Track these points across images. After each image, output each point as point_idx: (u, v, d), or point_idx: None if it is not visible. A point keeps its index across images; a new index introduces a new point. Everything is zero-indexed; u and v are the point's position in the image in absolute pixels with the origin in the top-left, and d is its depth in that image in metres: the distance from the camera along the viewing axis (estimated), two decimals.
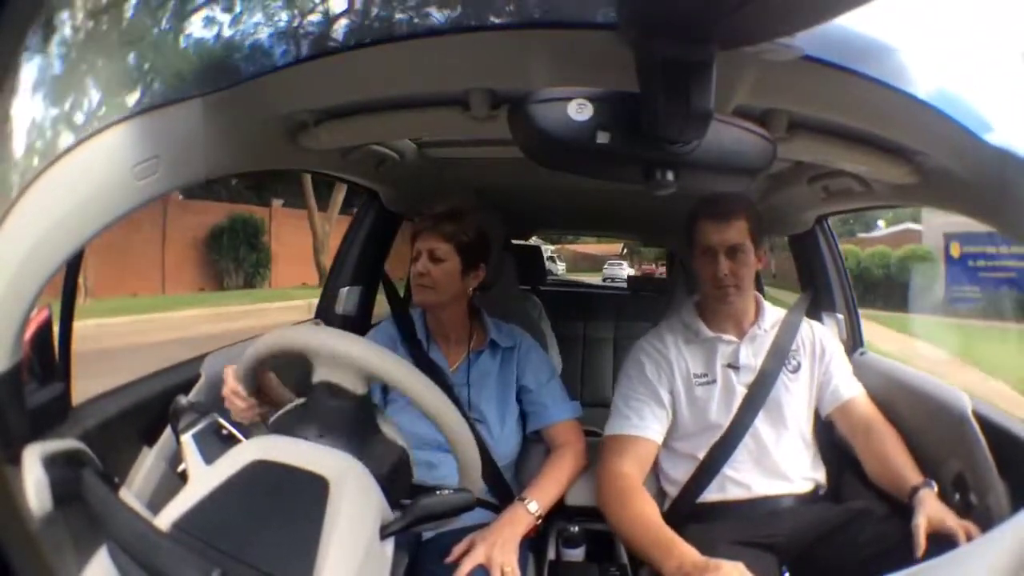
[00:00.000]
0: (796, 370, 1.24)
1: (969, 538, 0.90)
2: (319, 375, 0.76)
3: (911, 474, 1.07)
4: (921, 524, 0.94)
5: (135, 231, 8.07)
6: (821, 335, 1.30)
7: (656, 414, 1.19)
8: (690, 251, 1.24)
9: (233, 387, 0.86)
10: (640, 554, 1.05)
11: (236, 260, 9.39)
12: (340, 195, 9.61)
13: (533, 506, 1.09)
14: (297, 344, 0.79)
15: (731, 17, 0.54)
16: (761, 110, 0.91)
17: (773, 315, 1.28)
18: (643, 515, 1.07)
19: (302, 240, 9.81)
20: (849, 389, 1.24)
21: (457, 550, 1.00)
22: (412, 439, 1.06)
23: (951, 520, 0.93)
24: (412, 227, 1.23)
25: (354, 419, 0.76)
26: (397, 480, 0.75)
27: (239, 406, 0.86)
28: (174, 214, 8.87)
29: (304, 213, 9.77)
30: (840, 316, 1.56)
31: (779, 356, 1.23)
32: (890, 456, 1.12)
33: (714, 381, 1.22)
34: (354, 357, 0.75)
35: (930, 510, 0.96)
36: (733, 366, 1.22)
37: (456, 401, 1.15)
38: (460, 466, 0.78)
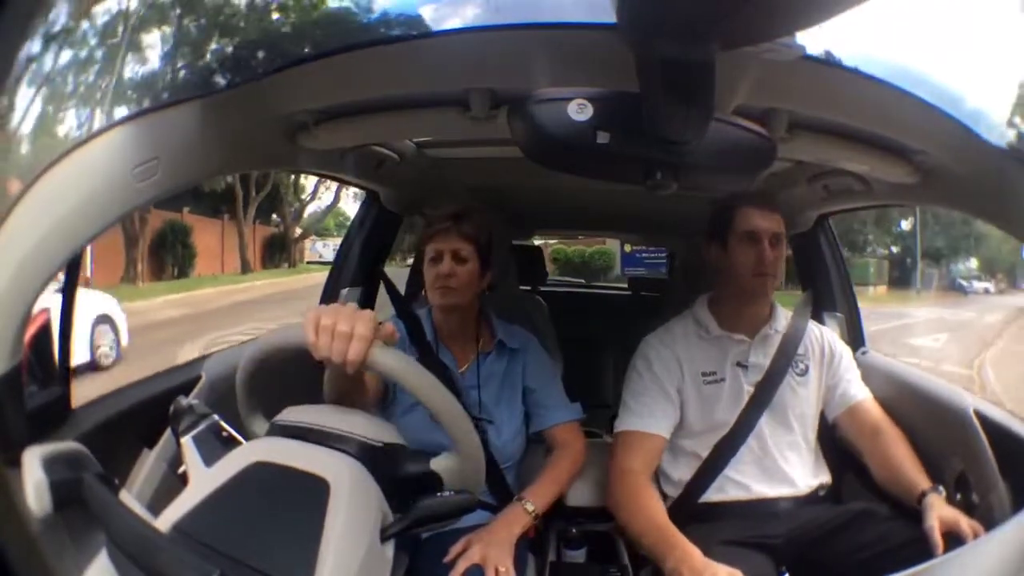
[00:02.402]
0: (804, 373, 1.24)
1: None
2: None
3: (920, 478, 1.07)
4: (935, 524, 0.94)
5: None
6: (829, 338, 1.30)
7: (665, 410, 1.19)
8: (726, 240, 1.21)
9: None
10: (644, 550, 1.05)
11: (174, 256, 12.05)
12: (253, 207, 13.14)
13: (530, 506, 1.09)
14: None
15: (731, 17, 0.54)
16: (761, 110, 0.91)
17: (784, 317, 1.28)
18: (650, 512, 1.07)
19: (208, 240, 12.83)
20: (858, 392, 1.24)
21: (454, 550, 0.99)
22: (415, 444, 1.06)
23: (963, 522, 0.94)
24: (425, 228, 1.22)
25: None
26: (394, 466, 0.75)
27: None
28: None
29: (206, 219, 12.85)
30: (840, 315, 1.56)
31: (787, 357, 1.22)
32: (898, 460, 1.12)
33: (723, 380, 1.21)
34: (254, 354, 0.75)
35: (942, 512, 0.96)
36: (742, 365, 1.22)
37: (466, 403, 1.15)
38: (463, 466, 0.78)
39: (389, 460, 0.74)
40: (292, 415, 0.77)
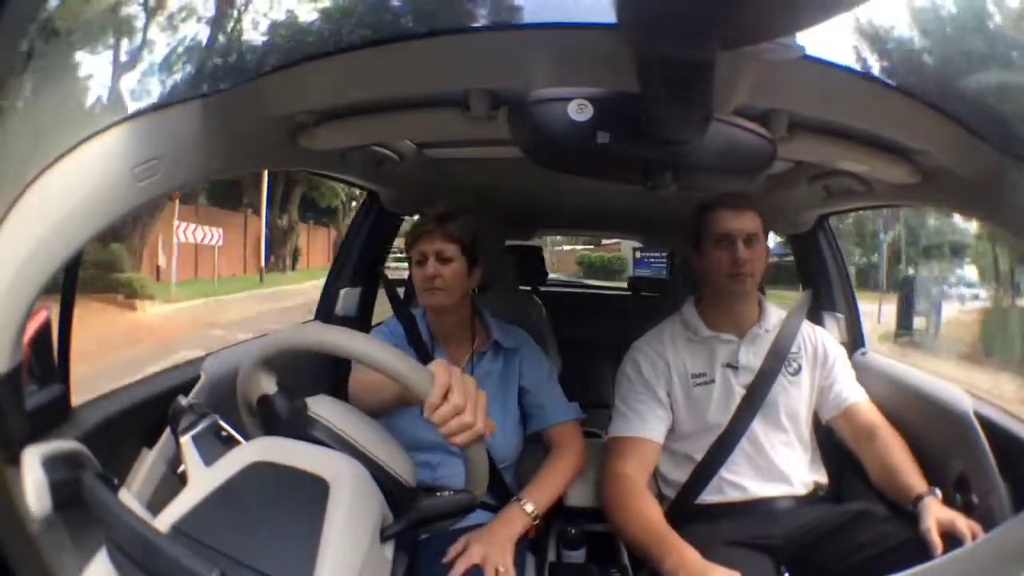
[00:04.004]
0: (796, 373, 1.23)
1: (975, 540, 0.90)
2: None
3: (916, 481, 1.06)
4: (932, 526, 0.94)
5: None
6: (823, 339, 1.29)
7: (657, 413, 1.19)
8: (700, 243, 1.21)
9: None
10: (641, 554, 1.05)
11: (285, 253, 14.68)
12: (348, 217, 15.17)
13: (529, 506, 1.09)
14: (304, 343, 0.78)
15: (731, 16, 0.54)
16: (761, 110, 0.91)
17: (775, 316, 1.27)
18: (644, 515, 1.07)
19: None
20: (852, 394, 1.24)
21: (452, 551, 0.99)
22: (413, 441, 1.06)
23: (960, 522, 0.93)
24: (411, 231, 1.23)
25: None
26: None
27: None
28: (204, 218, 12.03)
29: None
30: (840, 315, 1.56)
31: (779, 357, 1.22)
32: (894, 462, 1.11)
33: (712, 381, 1.21)
34: (362, 354, 0.75)
35: (938, 514, 0.96)
36: (732, 366, 1.22)
37: None
38: (468, 467, 0.78)
39: (410, 500, 0.76)
40: (331, 414, 0.77)
